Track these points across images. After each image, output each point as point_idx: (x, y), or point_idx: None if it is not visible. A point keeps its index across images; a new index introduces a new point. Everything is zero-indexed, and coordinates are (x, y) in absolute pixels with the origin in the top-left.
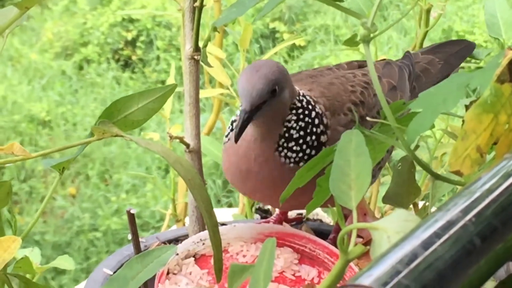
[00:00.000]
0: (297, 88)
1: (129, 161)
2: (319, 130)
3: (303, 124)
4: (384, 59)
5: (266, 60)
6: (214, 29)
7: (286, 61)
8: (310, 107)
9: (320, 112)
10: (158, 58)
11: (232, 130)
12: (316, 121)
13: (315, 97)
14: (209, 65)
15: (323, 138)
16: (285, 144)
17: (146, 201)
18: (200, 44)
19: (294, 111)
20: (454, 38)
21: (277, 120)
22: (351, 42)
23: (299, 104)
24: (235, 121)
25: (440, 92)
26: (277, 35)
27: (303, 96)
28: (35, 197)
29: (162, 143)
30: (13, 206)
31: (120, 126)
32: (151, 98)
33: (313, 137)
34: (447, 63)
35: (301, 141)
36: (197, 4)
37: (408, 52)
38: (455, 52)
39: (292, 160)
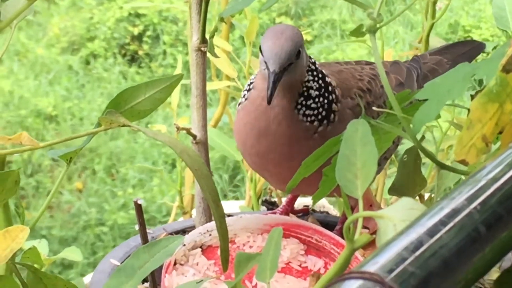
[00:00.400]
0: None
1: (136, 155)
2: (331, 97)
3: (318, 85)
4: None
5: (285, 24)
6: (221, 19)
7: None
8: (321, 74)
9: (331, 82)
10: (164, 52)
11: (249, 90)
12: (329, 87)
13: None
14: (216, 56)
15: (334, 107)
16: (303, 102)
17: (152, 195)
18: (207, 36)
19: (310, 73)
20: (460, 32)
21: (297, 80)
22: (358, 33)
23: (313, 67)
24: (252, 83)
25: (445, 82)
26: None
27: (314, 63)
28: (42, 191)
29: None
30: (20, 201)
31: (127, 116)
32: (158, 88)
33: (327, 100)
34: (456, 64)
35: (317, 99)
36: None
37: (416, 56)
38: (464, 53)
39: (308, 118)
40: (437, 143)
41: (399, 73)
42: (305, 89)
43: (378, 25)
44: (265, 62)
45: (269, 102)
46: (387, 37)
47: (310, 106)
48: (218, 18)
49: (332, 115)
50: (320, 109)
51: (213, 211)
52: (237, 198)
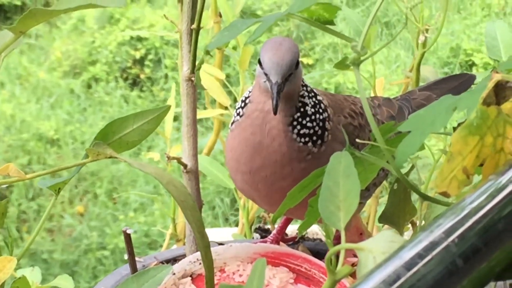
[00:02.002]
0: None
1: (137, 179)
2: (325, 115)
3: (313, 102)
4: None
5: (281, 36)
6: (207, 52)
7: None
8: (313, 92)
9: (323, 101)
10: (166, 76)
11: (243, 107)
12: (322, 105)
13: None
14: (203, 88)
15: (327, 125)
16: (300, 120)
17: (154, 219)
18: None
19: (304, 88)
20: (462, 55)
21: (295, 92)
22: (342, 65)
23: (306, 83)
24: (247, 98)
25: (429, 114)
26: None
27: (303, 80)
28: (44, 215)
29: (163, 163)
30: (22, 225)
31: (115, 147)
32: (146, 119)
33: (321, 117)
34: None
35: (313, 117)
36: (194, 26)
37: (407, 94)
38: (454, 87)
39: (302, 139)
40: (430, 171)
41: (391, 107)
42: (300, 104)
43: (362, 58)
44: (266, 74)
45: (275, 112)
46: (388, 60)
47: (305, 125)
48: (204, 49)
49: (326, 133)
50: (316, 128)
51: (198, 241)
52: (238, 222)
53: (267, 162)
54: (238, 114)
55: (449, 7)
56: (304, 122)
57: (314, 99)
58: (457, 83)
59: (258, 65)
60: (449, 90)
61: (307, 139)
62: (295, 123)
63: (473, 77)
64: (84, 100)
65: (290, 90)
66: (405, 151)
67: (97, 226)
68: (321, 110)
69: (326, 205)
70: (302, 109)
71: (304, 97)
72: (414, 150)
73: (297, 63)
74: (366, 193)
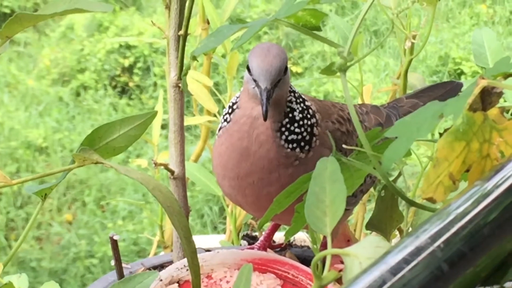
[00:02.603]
0: None
1: (126, 187)
2: (313, 120)
3: (300, 108)
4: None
5: (269, 42)
6: (194, 58)
7: None
8: (301, 97)
9: (311, 106)
10: (155, 84)
11: (231, 113)
12: (310, 111)
13: (308, 98)
14: (189, 93)
15: (315, 131)
16: (287, 125)
17: (142, 227)
18: (190, 71)
19: (292, 94)
20: (451, 64)
21: (283, 97)
22: (329, 71)
23: (294, 89)
24: (235, 103)
25: (415, 120)
26: None
27: (291, 86)
28: (32, 223)
29: (152, 170)
30: (10, 233)
31: (102, 153)
32: (133, 125)
33: (310, 122)
34: None
35: (301, 122)
36: (181, 32)
37: (395, 102)
38: (441, 95)
39: (290, 145)
40: (418, 178)
41: (378, 115)
42: (288, 109)
43: (348, 64)
44: (254, 80)
45: (265, 118)
46: (377, 69)
47: (293, 131)
48: (190, 56)
49: (314, 139)
50: (304, 134)
51: (184, 247)
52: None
53: (254, 168)
54: (225, 120)
55: (438, 16)
56: (292, 128)
57: (302, 104)
58: (444, 90)
59: (246, 71)
60: (436, 98)
61: (294, 145)
62: (283, 129)
63: (460, 85)
64: (73, 108)
65: (278, 96)
66: (391, 157)
67: (85, 234)
68: (309, 116)
69: (312, 211)
70: (290, 115)
71: (292, 103)
72: (400, 155)
73: (286, 68)
74: (353, 200)
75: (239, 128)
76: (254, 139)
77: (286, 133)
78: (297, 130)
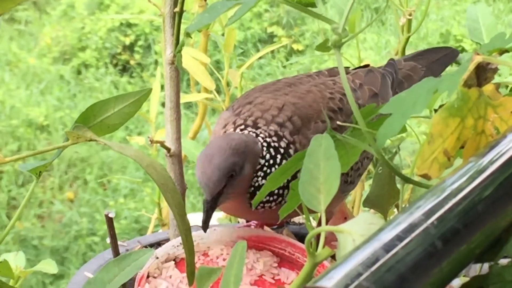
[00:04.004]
0: (261, 123)
1: (127, 165)
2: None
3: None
4: (368, 65)
5: (220, 141)
6: (187, 34)
7: (284, 66)
8: (273, 151)
9: (286, 144)
10: (156, 62)
11: None
12: (284, 162)
13: (282, 123)
14: (183, 70)
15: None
16: (260, 204)
17: (144, 205)
18: (187, 48)
19: (259, 172)
20: (452, 42)
21: (242, 189)
22: (323, 48)
23: (262, 162)
24: None
25: (410, 96)
26: (275, 39)
27: (267, 142)
28: (33, 201)
29: (150, 148)
30: (12, 211)
31: (96, 130)
32: (127, 103)
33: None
34: (430, 70)
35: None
36: (177, 9)
37: (391, 59)
38: (438, 59)
39: (265, 205)
40: (415, 155)
41: (373, 83)
42: (252, 189)
43: (343, 40)
44: None
45: (204, 229)
46: (378, 46)
47: (266, 200)
48: (184, 32)
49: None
50: (280, 191)
51: (178, 224)
52: None
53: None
54: None
55: None
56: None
57: (275, 164)
58: (441, 55)
59: None
60: (434, 62)
61: (272, 204)
62: (250, 201)
63: (456, 52)
64: (74, 86)
65: (234, 190)
66: (386, 133)
67: (87, 212)
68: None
69: (306, 188)
70: (256, 191)
71: (258, 179)
72: (394, 132)
73: (232, 175)
74: (351, 186)
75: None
76: (233, 213)
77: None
78: (267, 198)
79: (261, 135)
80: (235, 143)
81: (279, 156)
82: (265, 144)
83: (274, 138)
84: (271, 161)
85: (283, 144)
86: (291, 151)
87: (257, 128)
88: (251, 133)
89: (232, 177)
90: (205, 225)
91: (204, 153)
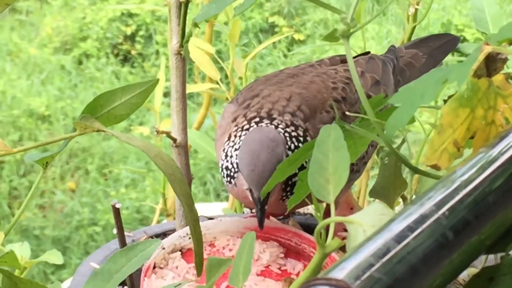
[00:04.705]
0: (275, 114)
1: (129, 155)
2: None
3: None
4: (368, 53)
5: (260, 134)
6: (195, 25)
7: (285, 56)
8: (295, 141)
9: (303, 132)
10: (157, 52)
11: (232, 176)
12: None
13: (293, 112)
14: (191, 60)
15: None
16: (288, 194)
17: (145, 195)
18: (192, 38)
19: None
20: (453, 31)
21: (279, 184)
22: (331, 38)
23: (289, 152)
24: (230, 168)
25: (418, 86)
26: (276, 29)
27: (287, 132)
28: (35, 192)
29: (154, 139)
30: (13, 201)
31: (103, 120)
32: (134, 93)
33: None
34: (431, 57)
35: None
36: None
37: (392, 46)
38: (439, 46)
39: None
40: (421, 145)
41: (375, 71)
42: (289, 182)
43: (351, 30)
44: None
45: (261, 227)
46: (379, 36)
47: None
48: (192, 23)
49: None
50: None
51: (186, 215)
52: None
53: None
54: (228, 181)
55: None
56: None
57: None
58: (441, 42)
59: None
60: (435, 49)
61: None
62: (284, 198)
63: (457, 39)
64: (75, 76)
65: (278, 186)
66: (395, 124)
67: (88, 202)
68: None
69: (315, 178)
70: (290, 183)
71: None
72: (403, 122)
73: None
74: (356, 175)
75: (244, 198)
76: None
77: (289, 195)
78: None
79: (280, 126)
80: (272, 135)
81: (300, 145)
82: (286, 134)
83: (292, 128)
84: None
85: (300, 132)
86: (308, 138)
87: (273, 119)
88: (269, 125)
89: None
90: (261, 224)
91: (246, 150)
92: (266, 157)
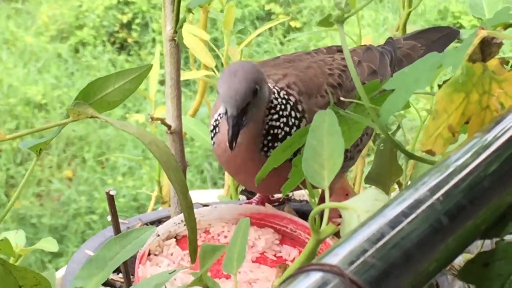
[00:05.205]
0: (270, 82)
1: (125, 143)
2: (297, 122)
3: (283, 121)
4: (366, 45)
5: (241, 61)
6: (189, 10)
7: (282, 43)
8: (284, 101)
9: (295, 100)
10: (153, 40)
11: (214, 133)
12: (293, 113)
13: (288, 84)
14: (185, 46)
15: (303, 124)
16: (270, 144)
17: (142, 183)
18: (186, 25)
19: (273, 110)
20: (450, 18)
21: (259, 119)
22: (326, 23)
23: (275, 102)
24: (217, 124)
25: (413, 72)
26: (273, 16)
27: (277, 91)
28: (32, 180)
29: (150, 126)
30: (10, 190)
31: (97, 107)
32: (127, 79)
33: (296, 122)
34: (430, 49)
35: (286, 129)
36: None
37: (390, 38)
38: (438, 38)
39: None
40: (416, 131)
41: (372, 61)
42: (267, 126)
43: (346, 15)
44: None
45: (231, 148)
46: (376, 23)
47: (277, 139)
48: (186, 8)
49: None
50: (288, 134)
51: (181, 202)
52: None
53: (248, 179)
54: (211, 137)
55: None
56: (276, 145)
57: (285, 113)
58: (441, 34)
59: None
60: (434, 41)
61: None
62: (265, 148)
63: (456, 32)
64: (71, 65)
65: (251, 120)
66: (390, 109)
67: (85, 191)
68: (292, 122)
69: (310, 164)
70: (271, 132)
71: (272, 120)
72: (398, 108)
73: (256, 90)
74: (351, 162)
75: (223, 151)
76: (239, 164)
77: (271, 150)
78: (281, 135)
79: (271, 85)
80: (251, 64)
81: (289, 105)
82: (275, 90)
83: (283, 92)
84: (283, 106)
85: (292, 98)
86: (299, 107)
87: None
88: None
89: (256, 93)
90: (232, 143)
91: (227, 70)
92: (244, 75)
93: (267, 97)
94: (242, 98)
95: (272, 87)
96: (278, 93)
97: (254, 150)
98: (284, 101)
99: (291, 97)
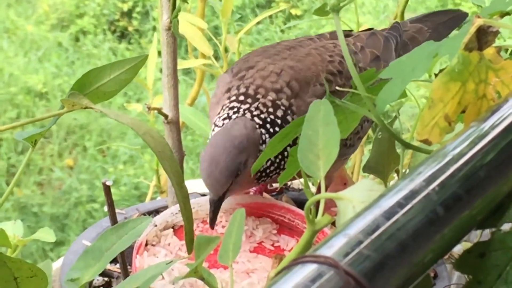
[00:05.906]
0: (260, 92)
1: (127, 132)
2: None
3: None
4: (371, 29)
5: (223, 143)
6: (184, 0)
7: (282, 31)
8: (273, 132)
9: (283, 112)
10: (154, 29)
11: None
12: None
13: (281, 88)
14: (180, 36)
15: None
16: (263, 174)
17: (143, 172)
18: (184, 14)
19: (264, 145)
20: (450, 5)
21: (246, 180)
22: (322, 12)
23: (263, 147)
24: (225, 118)
25: (410, 60)
26: (273, 4)
27: (263, 124)
28: (33, 169)
29: (148, 114)
30: (11, 178)
31: (92, 97)
32: (123, 69)
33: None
34: (436, 32)
35: (276, 165)
36: None
37: (396, 22)
38: (445, 21)
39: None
40: (415, 120)
41: (375, 46)
42: (259, 174)
43: (341, 4)
44: None
45: (212, 227)
46: (376, 10)
47: (270, 173)
48: None
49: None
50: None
51: (176, 192)
52: None
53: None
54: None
55: None
56: (268, 171)
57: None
58: (448, 17)
59: None
60: (441, 24)
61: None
62: (260, 181)
63: (464, 15)
64: (72, 53)
65: (237, 188)
66: (386, 99)
67: (86, 179)
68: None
69: (305, 154)
70: (265, 165)
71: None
72: (395, 97)
73: (238, 174)
74: (351, 149)
75: None
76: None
77: (264, 178)
78: (273, 170)
79: (256, 112)
80: (238, 141)
81: (277, 129)
82: (261, 122)
83: (271, 110)
84: (271, 130)
85: (279, 113)
86: (288, 117)
87: (256, 100)
88: (247, 113)
89: (237, 176)
90: (212, 223)
91: (208, 153)
92: (225, 165)
93: (258, 143)
94: (222, 187)
95: (257, 119)
96: (263, 120)
97: (251, 181)
98: (270, 128)
99: (278, 112)
